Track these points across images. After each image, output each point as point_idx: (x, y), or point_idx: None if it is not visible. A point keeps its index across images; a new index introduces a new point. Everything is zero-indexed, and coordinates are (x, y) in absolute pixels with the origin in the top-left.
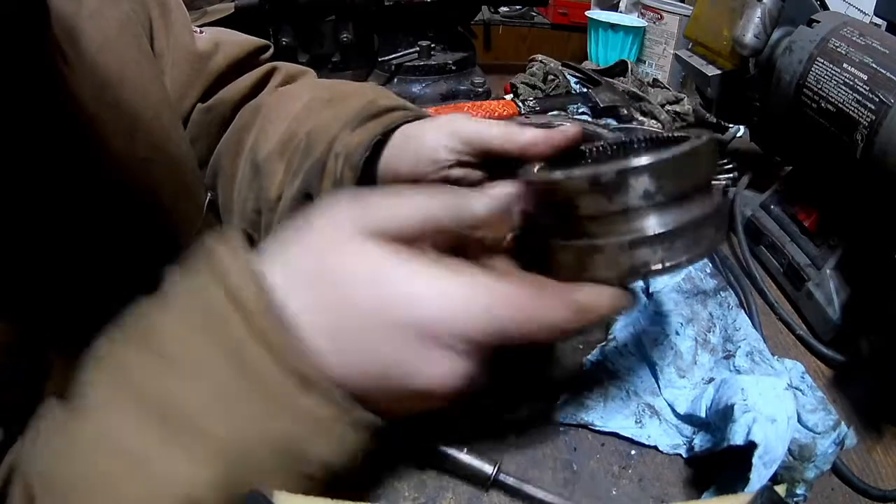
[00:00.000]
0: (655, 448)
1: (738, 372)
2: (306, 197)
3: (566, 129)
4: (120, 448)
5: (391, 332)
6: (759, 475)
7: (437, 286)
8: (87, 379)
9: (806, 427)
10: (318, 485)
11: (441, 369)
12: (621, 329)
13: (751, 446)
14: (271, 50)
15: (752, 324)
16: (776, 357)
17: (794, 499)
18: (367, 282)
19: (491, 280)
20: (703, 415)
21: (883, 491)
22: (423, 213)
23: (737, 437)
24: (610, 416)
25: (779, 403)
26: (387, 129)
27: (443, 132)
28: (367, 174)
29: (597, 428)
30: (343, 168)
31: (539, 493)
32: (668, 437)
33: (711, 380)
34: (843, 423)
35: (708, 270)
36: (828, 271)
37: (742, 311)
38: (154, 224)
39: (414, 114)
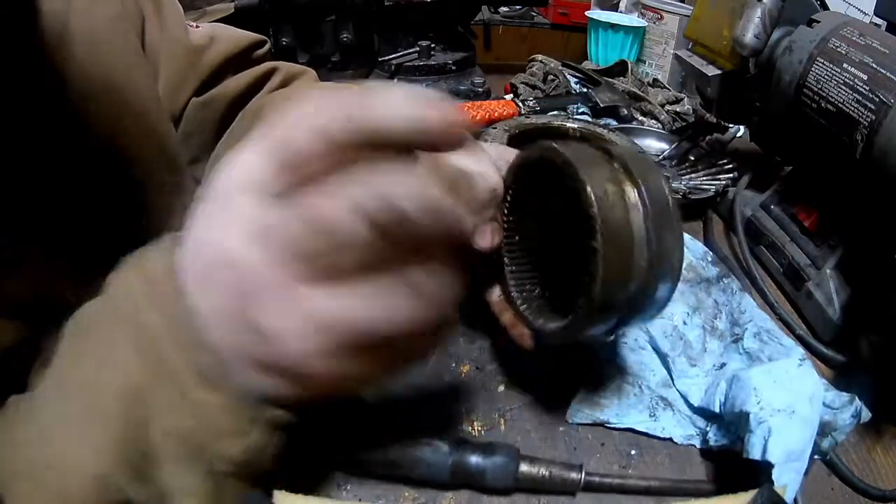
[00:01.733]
0: (670, 440)
1: (748, 354)
2: None
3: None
4: (46, 435)
5: (222, 288)
6: (785, 476)
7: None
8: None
9: (824, 404)
10: (231, 476)
11: (276, 313)
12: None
13: (767, 465)
14: (268, 45)
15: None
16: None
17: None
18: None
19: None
20: (717, 409)
21: (883, 491)
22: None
23: (754, 452)
24: (625, 412)
25: (796, 387)
26: None
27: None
28: None
29: (612, 425)
30: None
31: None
32: (681, 427)
33: (723, 365)
34: (856, 397)
35: (710, 259)
36: (828, 271)
37: (746, 294)
38: (140, 222)
39: None
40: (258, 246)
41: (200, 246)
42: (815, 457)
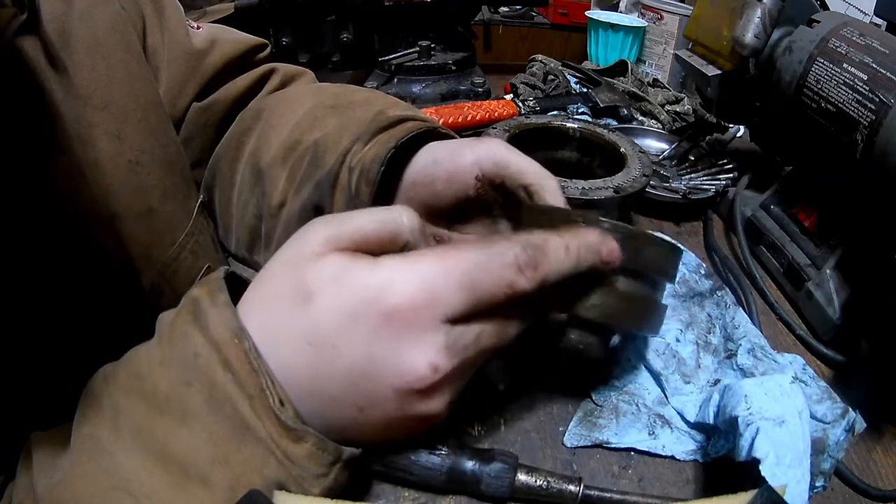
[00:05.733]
0: (673, 457)
1: (742, 370)
2: (316, 209)
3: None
4: (126, 485)
5: (363, 328)
6: (778, 477)
7: (405, 267)
8: (82, 415)
9: (815, 418)
10: None
11: (419, 358)
12: (621, 344)
13: (754, 462)
14: (269, 49)
15: (752, 323)
16: (777, 352)
17: (814, 490)
18: (330, 282)
19: (452, 247)
20: (711, 422)
21: (883, 491)
22: (384, 223)
23: (742, 453)
24: (623, 431)
25: (787, 401)
26: (399, 141)
27: (482, 156)
28: (381, 186)
29: (612, 445)
30: (359, 183)
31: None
32: (681, 444)
33: (717, 381)
34: (850, 409)
35: (703, 272)
36: (828, 271)
37: (740, 308)
38: (142, 226)
39: (426, 125)
40: (444, 362)
41: (370, 359)
42: (819, 485)
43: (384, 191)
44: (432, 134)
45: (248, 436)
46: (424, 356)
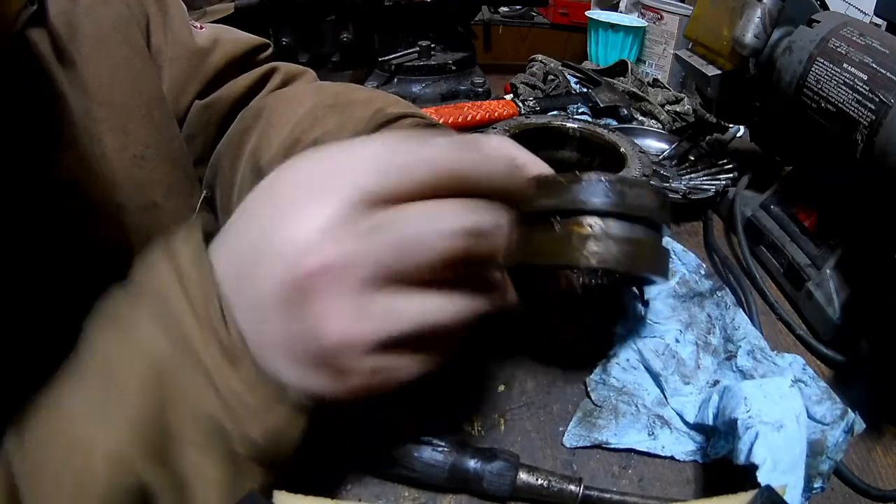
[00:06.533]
0: (672, 458)
1: (742, 372)
2: None
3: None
4: (67, 418)
5: (274, 285)
6: (774, 481)
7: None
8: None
9: (814, 419)
10: (252, 463)
11: (307, 225)
12: (621, 344)
13: (752, 467)
14: (271, 49)
15: (752, 323)
16: (776, 353)
17: (812, 492)
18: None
19: None
20: (711, 423)
21: (883, 491)
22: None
23: (741, 457)
24: (623, 432)
25: (786, 404)
26: None
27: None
28: None
29: (612, 446)
30: None
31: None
32: (681, 444)
33: (717, 382)
34: (849, 410)
35: (703, 272)
36: (828, 271)
37: (740, 309)
38: (147, 220)
39: (425, 120)
40: (342, 245)
41: (263, 230)
42: (818, 486)
43: None
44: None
45: (187, 354)
46: (314, 222)
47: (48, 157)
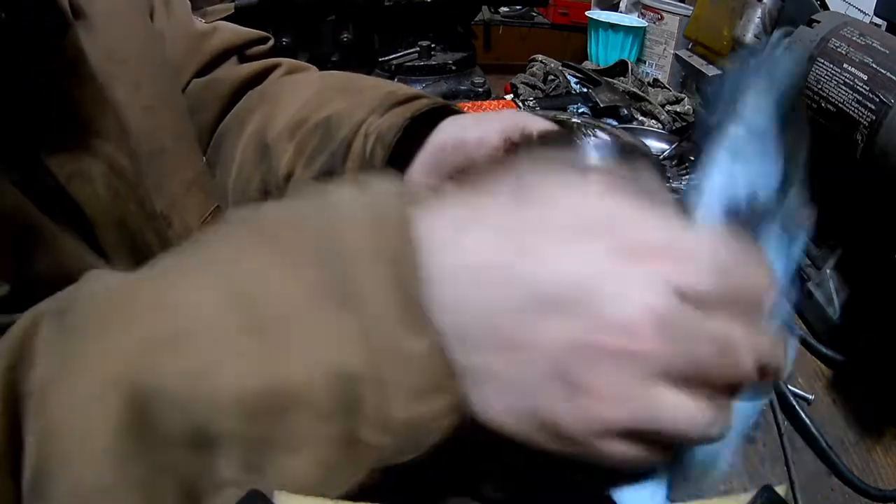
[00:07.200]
0: None
1: None
2: (326, 176)
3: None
4: (186, 310)
5: (589, 245)
6: None
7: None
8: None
9: None
10: (362, 461)
11: (639, 296)
12: None
13: None
14: (271, 42)
15: None
16: None
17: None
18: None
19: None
20: None
21: (883, 491)
22: None
23: None
24: None
25: None
26: (415, 114)
27: (508, 124)
28: (394, 159)
29: None
30: (374, 146)
31: None
32: None
33: None
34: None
35: None
36: (828, 271)
37: None
38: (156, 163)
39: (438, 102)
40: (660, 337)
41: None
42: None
43: (395, 162)
44: (446, 111)
45: (350, 302)
46: (644, 297)
47: (65, 90)
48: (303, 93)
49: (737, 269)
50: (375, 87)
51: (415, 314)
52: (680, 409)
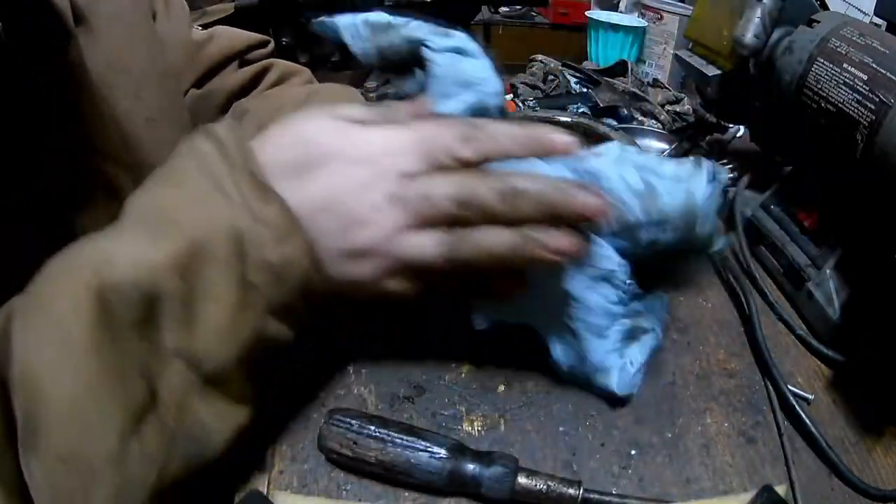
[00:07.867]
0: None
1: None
2: None
3: None
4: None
5: (346, 168)
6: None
7: (382, 133)
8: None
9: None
10: (260, 296)
11: (385, 217)
12: None
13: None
14: (271, 45)
15: (753, 326)
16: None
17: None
18: (330, 132)
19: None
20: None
21: (883, 491)
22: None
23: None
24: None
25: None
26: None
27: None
28: None
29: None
30: None
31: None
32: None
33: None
34: (702, 158)
35: None
36: (828, 271)
37: None
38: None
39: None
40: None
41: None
42: (719, 246)
43: None
44: None
45: (223, 187)
46: (378, 193)
47: (68, 103)
48: (274, 111)
49: (433, 141)
50: (337, 91)
51: (264, 189)
52: (423, 245)
